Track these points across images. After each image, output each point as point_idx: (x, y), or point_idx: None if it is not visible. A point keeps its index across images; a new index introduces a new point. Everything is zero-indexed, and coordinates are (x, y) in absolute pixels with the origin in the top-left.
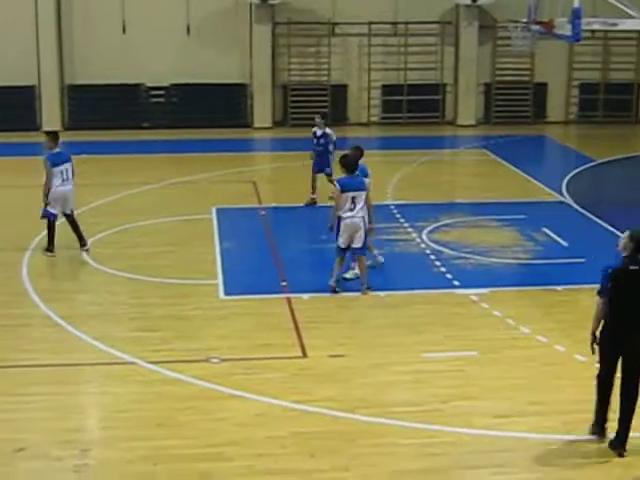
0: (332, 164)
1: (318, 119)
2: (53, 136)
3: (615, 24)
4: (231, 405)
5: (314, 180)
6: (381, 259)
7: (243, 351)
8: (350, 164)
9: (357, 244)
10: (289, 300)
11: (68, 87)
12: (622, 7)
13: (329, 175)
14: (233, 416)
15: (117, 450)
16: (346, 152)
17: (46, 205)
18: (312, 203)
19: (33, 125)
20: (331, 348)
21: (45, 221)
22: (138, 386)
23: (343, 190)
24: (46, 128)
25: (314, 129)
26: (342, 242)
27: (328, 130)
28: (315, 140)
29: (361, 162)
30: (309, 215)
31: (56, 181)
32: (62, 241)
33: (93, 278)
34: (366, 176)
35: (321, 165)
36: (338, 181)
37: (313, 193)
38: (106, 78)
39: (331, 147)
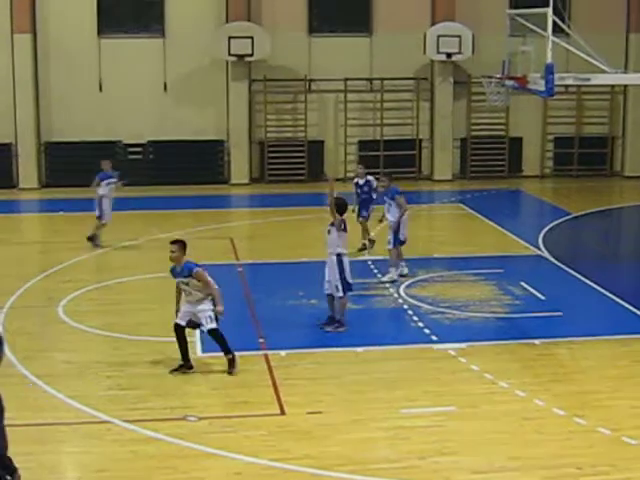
0: (370, 209)
1: (360, 169)
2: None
3: (588, 79)
4: (209, 464)
5: (365, 226)
6: (406, 270)
7: (221, 409)
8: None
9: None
10: (267, 357)
11: (45, 144)
12: (594, 62)
13: (365, 218)
14: (211, 475)
15: None
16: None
17: None
18: (366, 247)
19: (10, 182)
20: (309, 405)
21: None
22: (115, 445)
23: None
24: (23, 185)
25: (355, 179)
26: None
27: (369, 177)
28: (358, 189)
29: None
30: (286, 271)
31: None
32: (39, 300)
33: (70, 336)
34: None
35: (366, 211)
36: None
37: (365, 238)
38: (83, 135)
39: (374, 194)
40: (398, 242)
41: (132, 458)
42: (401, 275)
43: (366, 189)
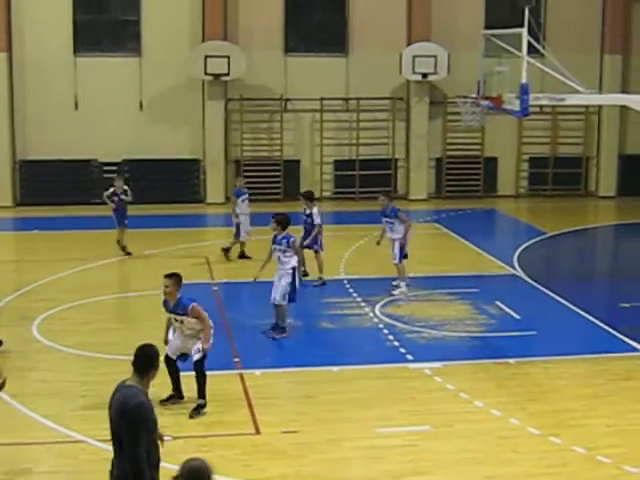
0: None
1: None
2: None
3: (562, 99)
4: None
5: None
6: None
7: (195, 428)
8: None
9: None
10: (242, 376)
11: (20, 163)
12: (569, 82)
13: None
14: None
15: None
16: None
17: None
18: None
19: None
20: (284, 424)
21: None
22: (89, 465)
23: None
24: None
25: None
26: None
27: (315, 208)
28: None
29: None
30: (262, 291)
31: None
32: (13, 319)
33: (43, 355)
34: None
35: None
36: None
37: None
38: (58, 154)
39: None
40: (403, 257)
41: (107, 478)
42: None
43: (310, 220)
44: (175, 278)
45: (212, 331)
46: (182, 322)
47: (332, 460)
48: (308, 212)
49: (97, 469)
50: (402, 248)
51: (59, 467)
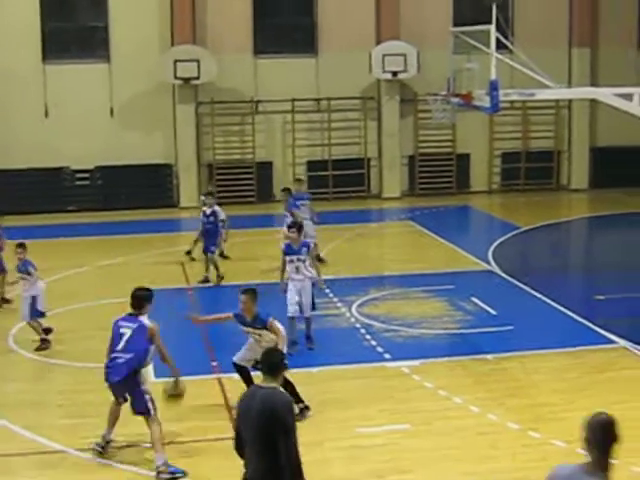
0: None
1: (208, 199)
2: None
3: (532, 94)
4: None
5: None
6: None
7: (176, 435)
8: None
9: None
10: (220, 380)
11: None
12: (538, 78)
13: (212, 253)
14: None
15: None
16: None
17: None
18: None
19: None
20: None
21: None
22: (70, 474)
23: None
24: None
25: (203, 209)
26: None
27: (217, 207)
28: (204, 219)
29: None
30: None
31: None
32: None
33: (20, 365)
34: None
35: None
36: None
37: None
38: (29, 162)
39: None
40: None
41: None
42: None
43: (212, 219)
44: (252, 293)
45: (285, 340)
46: (260, 335)
47: (313, 461)
48: (209, 212)
49: (78, 478)
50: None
51: (40, 478)
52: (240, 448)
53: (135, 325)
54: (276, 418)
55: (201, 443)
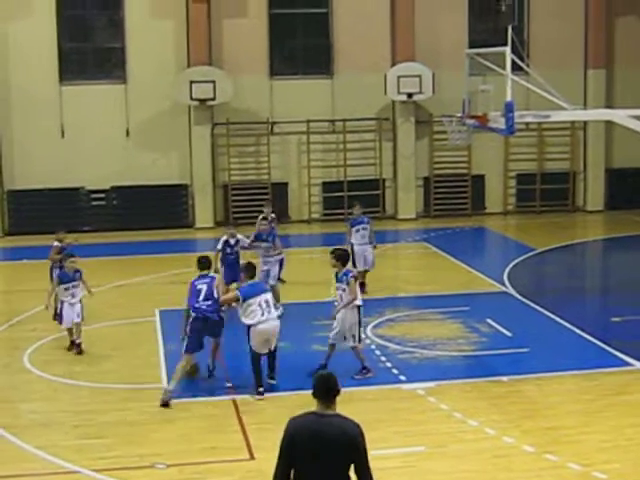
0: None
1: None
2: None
3: (548, 116)
4: None
5: None
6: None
7: (189, 455)
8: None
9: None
10: (234, 401)
11: (7, 192)
12: (554, 99)
13: None
14: None
15: None
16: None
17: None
18: None
19: None
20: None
21: None
22: None
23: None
24: None
25: (225, 238)
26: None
27: (240, 236)
28: (228, 249)
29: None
30: None
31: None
32: (4, 349)
33: (35, 386)
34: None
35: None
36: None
37: None
38: (46, 182)
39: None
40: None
41: None
42: None
43: (237, 249)
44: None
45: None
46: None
47: None
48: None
49: None
50: None
51: None
52: None
53: (208, 280)
54: (350, 446)
55: (214, 464)
